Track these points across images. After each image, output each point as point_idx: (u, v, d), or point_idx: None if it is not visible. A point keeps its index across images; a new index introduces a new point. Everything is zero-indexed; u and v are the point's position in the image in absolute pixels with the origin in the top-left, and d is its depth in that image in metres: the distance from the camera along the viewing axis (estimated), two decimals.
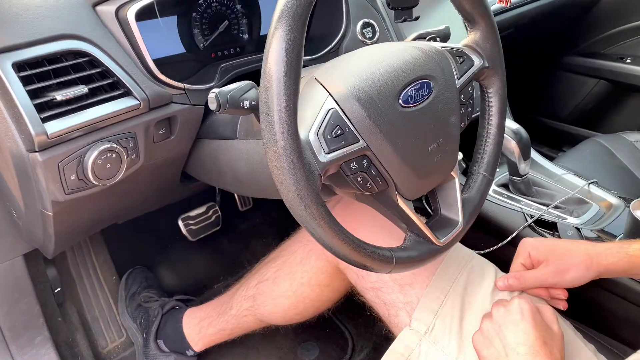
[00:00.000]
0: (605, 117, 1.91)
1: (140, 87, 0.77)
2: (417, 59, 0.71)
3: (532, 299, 0.83)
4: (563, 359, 0.70)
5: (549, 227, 1.06)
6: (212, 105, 0.62)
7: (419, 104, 0.68)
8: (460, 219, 0.78)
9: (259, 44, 1.02)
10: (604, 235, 1.02)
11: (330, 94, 0.64)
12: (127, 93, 0.76)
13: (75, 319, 1.24)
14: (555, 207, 1.09)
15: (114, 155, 0.75)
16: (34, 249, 1.03)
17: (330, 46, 1.02)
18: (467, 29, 0.81)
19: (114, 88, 0.77)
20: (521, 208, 1.09)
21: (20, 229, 0.95)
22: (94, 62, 0.75)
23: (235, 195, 1.59)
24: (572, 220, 1.07)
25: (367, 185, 0.66)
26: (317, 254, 0.99)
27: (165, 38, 0.90)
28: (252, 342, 1.26)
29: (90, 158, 0.72)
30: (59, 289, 1.20)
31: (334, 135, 0.62)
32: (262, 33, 1.02)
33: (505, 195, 1.15)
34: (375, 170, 0.66)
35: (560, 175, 1.20)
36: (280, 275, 1.04)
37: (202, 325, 1.18)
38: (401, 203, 0.71)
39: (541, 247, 0.85)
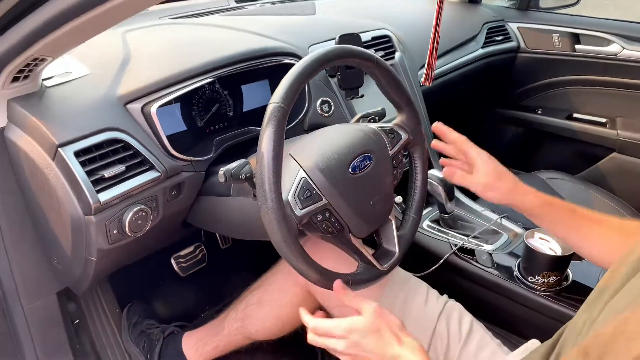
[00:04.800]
0: (525, 159, 2.27)
1: (160, 162, 1.04)
2: (361, 139, 0.98)
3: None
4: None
5: (469, 252, 1.37)
6: (222, 179, 0.90)
7: (363, 171, 0.95)
8: (397, 251, 1.03)
9: (242, 119, 1.31)
10: (511, 257, 1.34)
11: (301, 167, 0.90)
12: (151, 167, 1.03)
13: (88, 346, 1.47)
14: (474, 237, 1.40)
15: (143, 213, 1.02)
16: (63, 288, 1.27)
17: (297, 120, 1.31)
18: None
19: (142, 164, 1.03)
20: (448, 239, 1.40)
21: (58, 272, 1.19)
22: (127, 146, 1.01)
23: (217, 235, 1.85)
24: (487, 247, 1.38)
25: (329, 229, 0.92)
26: (292, 282, 1.25)
27: (173, 120, 1.18)
28: (240, 356, 1.50)
29: (128, 217, 0.99)
30: (77, 320, 1.43)
31: (305, 197, 0.86)
32: (244, 110, 1.31)
33: (437, 229, 1.46)
34: (334, 219, 0.91)
35: (480, 211, 1.52)
36: (264, 300, 1.30)
37: (198, 344, 1.42)
38: (354, 240, 0.96)
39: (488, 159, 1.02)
